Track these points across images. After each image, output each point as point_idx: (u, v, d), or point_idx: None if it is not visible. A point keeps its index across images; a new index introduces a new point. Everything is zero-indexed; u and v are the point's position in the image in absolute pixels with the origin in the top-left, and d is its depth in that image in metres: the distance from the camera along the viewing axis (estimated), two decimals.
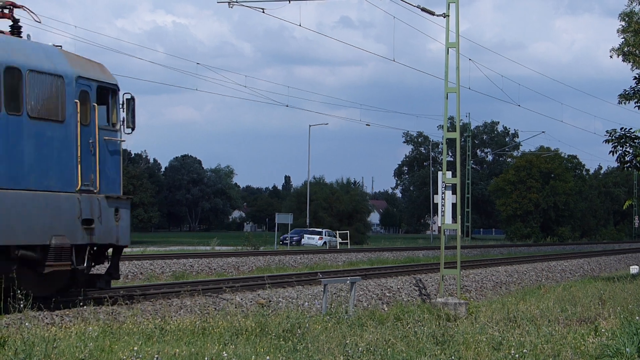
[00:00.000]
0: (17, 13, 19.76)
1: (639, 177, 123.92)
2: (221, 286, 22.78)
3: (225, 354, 13.61)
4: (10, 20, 19.64)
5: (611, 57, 35.53)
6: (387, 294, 27.37)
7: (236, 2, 28.06)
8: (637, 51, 35.15)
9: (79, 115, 19.48)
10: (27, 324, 15.29)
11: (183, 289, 21.53)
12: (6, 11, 19.47)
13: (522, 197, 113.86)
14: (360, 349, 14.57)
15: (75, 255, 19.07)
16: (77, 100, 19.50)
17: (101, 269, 21.00)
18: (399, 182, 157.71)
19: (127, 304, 19.24)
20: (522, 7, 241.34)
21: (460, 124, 28.71)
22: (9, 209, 17.71)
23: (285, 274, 32.40)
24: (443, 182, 25.74)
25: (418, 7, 27.25)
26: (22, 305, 16.20)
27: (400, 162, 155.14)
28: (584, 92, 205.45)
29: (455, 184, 26.02)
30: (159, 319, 17.65)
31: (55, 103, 19.11)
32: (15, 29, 19.80)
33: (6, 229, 17.58)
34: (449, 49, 25.62)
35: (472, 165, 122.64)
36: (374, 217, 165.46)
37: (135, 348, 13.81)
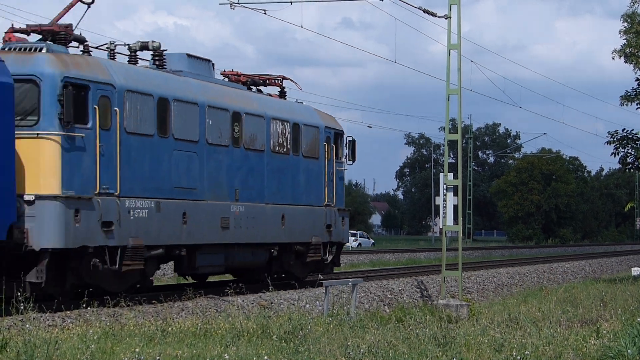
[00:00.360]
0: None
1: None
2: (223, 288, 22.78)
3: (227, 356, 13.61)
4: (279, 88, 28.06)
5: (613, 58, 35.50)
6: (389, 296, 27.37)
7: (238, 3, 28.06)
8: (639, 52, 35.11)
9: (326, 153, 28.00)
10: (28, 325, 15.29)
11: (184, 291, 21.53)
12: (278, 81, 28.03)
13: (524, 199, 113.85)
14: (362, 350, 14.57)
15: (318, 249, 27.30)
16: (325, 144, 28.00)
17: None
18: (400, 183, 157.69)
19: (128, 305, 19.24)
20: (524, 9, 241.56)
21: (462, 125, 28.55)
22: (293, 218, 26.05)
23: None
24: (444, 183, 25.75)
25: (420, 8, 27.27)
26: (23, 307, 16.22)
27: (401, 164, 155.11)
28: (585, 94, 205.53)
29: (457, 186, 26.02)
30: (161, 321, 17.65)
31: (314, 146, 27.57)
32: (282, 94, 28.07)
33: (291, 232, 26.00)
34: (451, 50, 25.63)
35: (474, 167, 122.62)
36: (376, 219, 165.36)
37: (137, 350, 13.81)
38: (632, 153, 35.14)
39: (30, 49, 19.49)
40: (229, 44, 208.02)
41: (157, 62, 23.03)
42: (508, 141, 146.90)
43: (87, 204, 19.24)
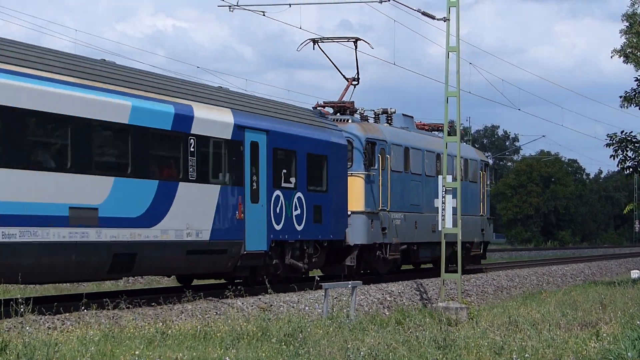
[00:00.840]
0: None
1: None
2: (222, 290, 22.76)
3: (227, 359, 13.62)
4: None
5: (612, 57, 35.48)
6: (388, 298, 27.36)
7: (237, 5, 28.07)
8: (638, 53, 35.08)
9: (481, 179, 38.51)
10: (28, 328, 15.27)
11: (184, 293, 21.52)
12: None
13: (523, 201, 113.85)
14: (361, 353, 14.57)
15: (477, 246, 37.48)
16: (480, 172, 38.48)
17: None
18: None
19: (128, 307, 19.23)
20: (523, 12, 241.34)
21: (461, 128, 28.91)
22: (466, 225, 32.25)
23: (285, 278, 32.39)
24: (443, 186, 25.76)
25: (418, 11, 27.29)
26: (22, 310, 16.21)
27: None
28: (584, 96, 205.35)
29: (456, 188, 26.02)
30: (161, 323, 17.64)
31: (475, 174, 37.97)
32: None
33: (465, 234, 30.73)
34: (450, 53, 25.62)
35: None
36: None
37: (137, 352, 13.81)
38: (631, 156, 35.09)
39: (343, 120, 30.20)
40: (228, 46, 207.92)
41: (389, 121, 32.92)
42: (507, 143, 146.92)
43: (375, 216, 29.82)
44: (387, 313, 24.65)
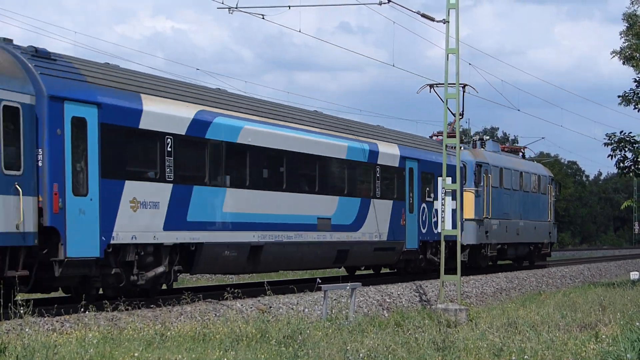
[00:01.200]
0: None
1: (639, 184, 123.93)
2: (221, 292, 22.76)
3: None
4: (521, 153, 49.38)
5: (612, 58, 35.45)
6: (387, 300, 27.35)
7: (236, 7, 28.06)
8: (637, 54, 35.05)
9: (549, 191, 47.42)
10: (27, 330, 15.27)
11: (183, 296, 21.51)
12: (521, 149, 49.07)
13: None
14: (361, 355, 14.58)
15: (546, 246, 47.35)
16: (549, 185, 47.36)
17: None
18: None
19: (127, 309, 19.22)
20: (522, 14, 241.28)
21: (460, 129, 29.39)
22: (539, 228, 44.95)
23: (284, 280, 32.40)
24: (443, 188, 25.76)
25: (418, 13, 27.29)
26: (22, 311, 16.20)
27: None
28: (584, 98, 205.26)
29: (455, 190, 26.03)
30: (160, 325, 17.64)
31: (545, 187, 46.58)
32: (523, 156, 49.28)
33: (538, 235, 44.87)
34: (449, 54, 25.63)
35: None
36: None
37: (136, 354, 13.81)
38: (630, 157, 35.09)
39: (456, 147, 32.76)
40: (227, 48, 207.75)
41: (483, 146, 41.00)
42: (506, 145, 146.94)
43: (481, 222, 38.31)
44: (386, 315, 24.64)
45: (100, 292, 20.78)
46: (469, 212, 37.30)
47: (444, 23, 25.73)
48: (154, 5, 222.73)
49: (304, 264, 28.81)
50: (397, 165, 31.72)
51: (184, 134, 21.98)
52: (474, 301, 31.34)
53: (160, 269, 21.46)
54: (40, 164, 18.41)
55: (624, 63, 35.37)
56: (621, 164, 35.10)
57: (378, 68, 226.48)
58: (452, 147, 31.75)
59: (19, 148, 17.91)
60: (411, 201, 32.35)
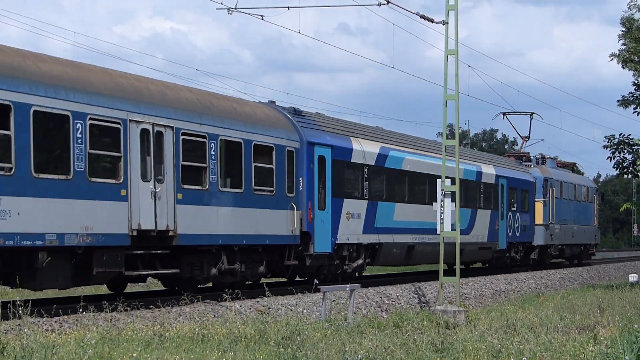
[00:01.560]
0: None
1: (638, 185, 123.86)
2: (220, 293, 22.78)
3: None
4: (571, 168, 58.45)
5: (610, 61, 35.48)
6: (386, 302, 27.35)
7: (235, 8, 28.05)
8: (636, 58, 35.06)
9: (594, 200, 55.18)
10: (26, 330, 15.26)
11: (182, 296, 21.54)
12: (570, 164, 58.15)
13: None
14: (359, 356, 14.58)
15: (592, 247, 55.74)
16: (594, 195, 55.71)
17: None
18: None
19: (126, 310, 19.23)
20: (521, 15, 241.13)
21: (460, 131, 29.77)
22: (587, 231, 53.29)
23: (283, 281, 32.38)
24: (442, 189, 25.75)
25: (417, 14, 27.27)
26: (21, 312, 16.20)
27: None
28: (583, 100, 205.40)
29: (455, 192, 26.03)
30: (158, 326, 17.63)
31: (592, 197, 54.60)
32: (573, 170, 57.80)
33: (586, 237, 53.47)
34: (448, 56, 25.63)
35: None
36: None
37: (135, 355, 13.81)
38: (629, 158, 35.16)
39: (529, 165, 47.40)
40: (226, 49, 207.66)
41: (543, 163, 48.73)
42: (505, 147, 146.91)
43: (547, 227, 46.29)
44: (385, 316, 24.63)
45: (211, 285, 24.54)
46: (539, 218, 45.82)
47: (443, 24, 25.73)
48: (153, 6, 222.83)
49: (436, 259, 33.23)
50: (493, 182, 40.89)
51: (373, 164, 30.69)
52: (473, 303, 31.34)
53: (360, 261, 29.87)
54: (300, 188, 26.54)
55: (623, 67, 35.39)
56: (621, 165, 35.21)
57: (377, 69, 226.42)
58: (526, 164, 47.44)
59: (292, 179, 26.14)
60: (502, 210, 41.50)
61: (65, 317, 18.17)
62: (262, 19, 28.40)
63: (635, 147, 34.81)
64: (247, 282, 26.35)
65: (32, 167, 18.08)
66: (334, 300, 23.51)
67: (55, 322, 17.64)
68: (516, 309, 25.36)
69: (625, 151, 35.07)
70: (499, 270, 41.71)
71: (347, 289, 22.83)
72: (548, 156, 50.44)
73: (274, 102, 28.57)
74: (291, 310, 22.36)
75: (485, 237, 39.71)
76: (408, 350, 15.67)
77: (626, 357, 14.55)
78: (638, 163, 34.67)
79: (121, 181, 20.27)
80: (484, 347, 16.00)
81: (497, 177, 40.99)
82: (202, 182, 22.92)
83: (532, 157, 48.98)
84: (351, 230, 28.84)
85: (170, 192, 21.59)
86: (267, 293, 22.64)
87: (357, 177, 29.66)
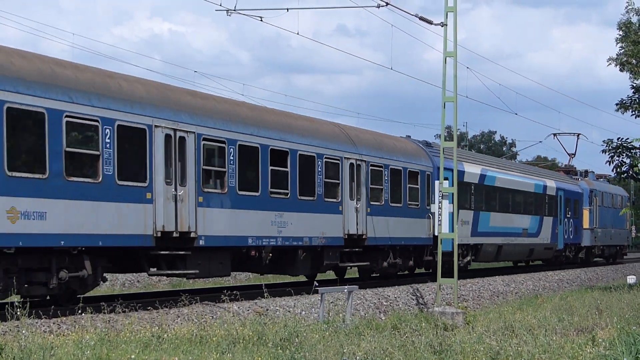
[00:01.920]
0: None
1: (636, 188, 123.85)
2: (218, 294, 22.78)
3: None
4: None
5: (608, 64, 35.48)
6: (385, 303, 27.34)
7: (234, 10, 28.05)
8: (633, 61, 35.08)
9: (625, 206, 58.54)
10: (24, 331, 15.24)
11: (180, 298, 21.54)
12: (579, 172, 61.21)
13: None
14: (357, 358, 14.58)
15: (624, 247, 63.75)
16: (628, 203, 64.04)
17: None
18: None
19: (124, 311, 19.21)
20: (520, 17, 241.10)
21: (458, 133, 29.71)
22: (620, 233, 61.31)
23: (282, 282, 32.38)
24: (440, 191, 25.74)
25: (416, 16, 27.27)
26: (19, 313, 16.18)
27: None
28: (581, 102, 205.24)
29: (453, 193, 26.03)
30: (156, 327, 17.62)
31: (622, 204, 60.66)
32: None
33: (619, 239, 61.12)
34: (447, 58, 25.63)
35: None
36: None
37: (133, 356, 13.81)
38: (627, 162, 35.17)
39: (577, 178, 55.31)
40: (224, 50, 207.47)
41: (587, 176, 56.80)
42: (504, 149, 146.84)
43: (592, 231, 53.45)
44: (383, 318, 24.62)
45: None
46: (586, 223, 53.86)
47: (442, 26, 25.73)
48: (151, 7, 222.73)
49: (515, 257, 45.88)
50: (554, 194, 48.62)
51: (477, 182, 38.89)
52: (471, 304, 31.33)
53: (468, 258, 37.90)
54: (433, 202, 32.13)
55: (621, 70, 35.40)
56: (619, 169, 35.23)
57: (376, 71, 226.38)
58: (574, 177, 55.69)
59: (428, 195, 33.89)
60: (560, 217, 49.23)
61: (64, 318, 18.15)
62: (261, 20, 28.43)
63: (634, 151, 34.82)
64: (399, 273, 33.97)
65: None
66: (332, 302, 23.50)
67: (54, 323, 17.62)
68: (514, 311, 25.36)
69: (624, 154, 35.08)
70: (555, 266, 50.06)
71: (345, 290, 22.82)
72: (592, 170, 59.01)
73: (410, 137, 36.79)
74: (289, 311, 22.36)
75: (549, 239, 47.69)
76: (406, 352, 15.67)
77: (624, 359, 14.55)
78: (637, 164, 34.67)
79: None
80: (482, 348, 16.01)
81: (557, 189, 49.33)
82: (379, 200, 31.10)
83: (577, 171, 58.23)
84: (463, 234, 35.98)
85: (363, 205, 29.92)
86: (265, 294, 22.63)
87: (466, 193, 37.63)
